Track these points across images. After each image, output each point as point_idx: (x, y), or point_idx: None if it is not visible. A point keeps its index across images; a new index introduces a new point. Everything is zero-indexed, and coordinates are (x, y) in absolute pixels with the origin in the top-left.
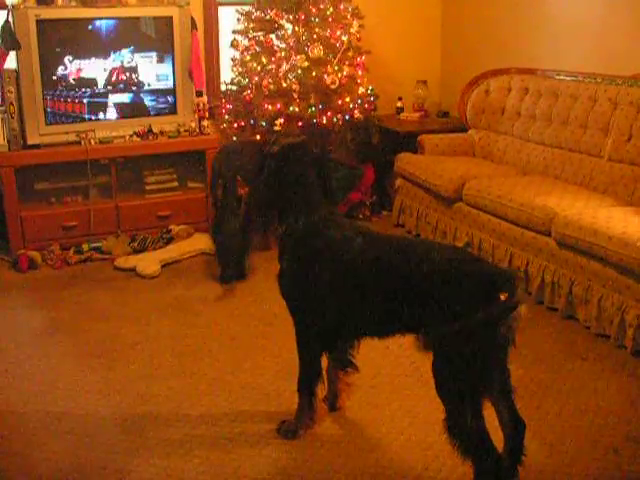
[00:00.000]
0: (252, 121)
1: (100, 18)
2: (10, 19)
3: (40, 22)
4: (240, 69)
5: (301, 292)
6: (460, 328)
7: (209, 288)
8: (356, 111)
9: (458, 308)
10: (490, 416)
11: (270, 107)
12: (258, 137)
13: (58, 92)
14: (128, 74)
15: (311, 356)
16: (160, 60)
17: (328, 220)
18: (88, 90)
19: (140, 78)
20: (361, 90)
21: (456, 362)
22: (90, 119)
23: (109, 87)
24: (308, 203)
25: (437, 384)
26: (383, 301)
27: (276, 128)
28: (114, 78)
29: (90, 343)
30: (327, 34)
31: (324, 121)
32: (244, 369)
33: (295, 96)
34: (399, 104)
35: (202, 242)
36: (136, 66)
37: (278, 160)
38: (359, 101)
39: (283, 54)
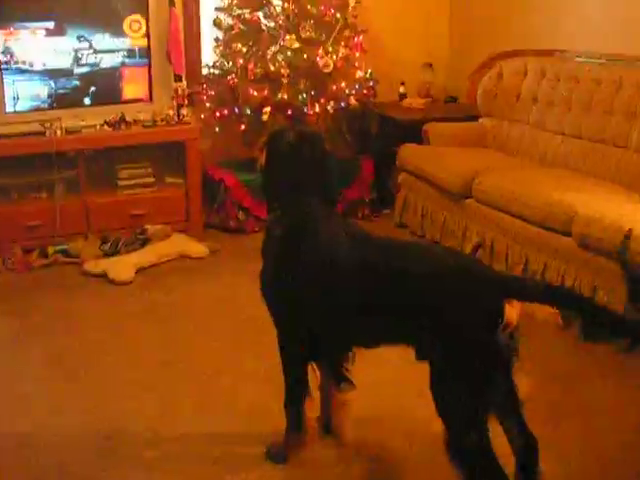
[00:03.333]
0: (236, 109)
1: None
2: None
3: None
4: (223, 51)
5: (281, 294)
6: (457, 339)
7: (190, 295)
8: (353, 98)
9: (456, 318)
10: (499, 436)
11: (256, 93)
12: (243, 127)
13: (19, 76)
14: (97, 56)
15: (295, 366)
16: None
17: (318, 217)
18: (53, 74)
19: (111, 60)
20: (358, 74)
21: (454, 376)
22: (56, 106)
23: (77, 70)
24: (300, 196)
25: (435, 400)
26: (372, 308)
27: (263, 117)
28: (82, 60)
29: (57, 355)
30: (320, 11)
31: (316, 109)
32: (228, 384)
33: (284, 81)
34: (402, 90)
35: (181, 244)
36: (106, 47)
37: (289, 145)
38: (356, 86)
39: (271, 34)
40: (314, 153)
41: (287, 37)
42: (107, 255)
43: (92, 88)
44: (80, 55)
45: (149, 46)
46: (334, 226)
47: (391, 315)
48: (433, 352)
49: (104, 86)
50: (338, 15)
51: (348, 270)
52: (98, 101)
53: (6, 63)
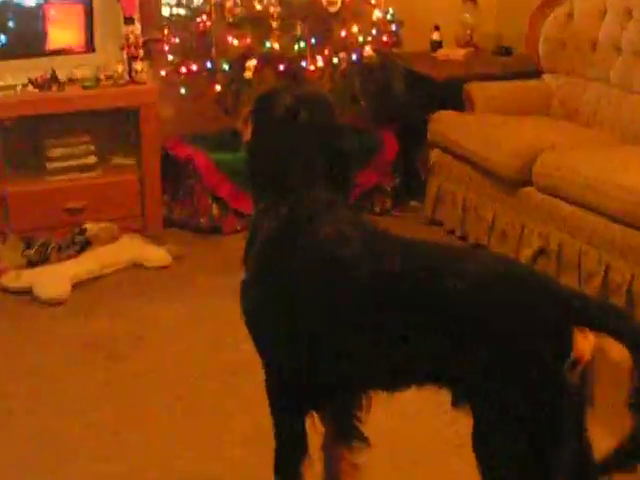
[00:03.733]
0: (209, 63)
1: None
2: None
3: None
4: None
5: (269, 317)
6: (511, 376)
7: (145, 320)
8: (368, 47)
9: (509, 349)
10: None
11: (236, 42)
12: (218, 88)
13: None
14: None
15: (288, 417)
16: None
17: (320, 212)
18: None
19: None
20: (376, 15)
21: (506, 428)
22: None
23: None
24: (299, 184)
25: (479, 463)
26: (393, 336)
27: (246, 75)
28: None
29: None
30: None
31: (319, 63)
32: (196, 446)
33: (274, 25)
34: (435, 36)
35: (134, 249)
36: None
37: (284, 112)
38: (373, 32)
39: None
40: (320, 124)
41: None
42: (32, 264)
43: (11, 34)
44: None
45: None
46: (342, 225)
47: (419, 344)
48: (477, 395)
49: (28, 32)
50: None
51: (360, 285)
52: (20, 52)
53: None
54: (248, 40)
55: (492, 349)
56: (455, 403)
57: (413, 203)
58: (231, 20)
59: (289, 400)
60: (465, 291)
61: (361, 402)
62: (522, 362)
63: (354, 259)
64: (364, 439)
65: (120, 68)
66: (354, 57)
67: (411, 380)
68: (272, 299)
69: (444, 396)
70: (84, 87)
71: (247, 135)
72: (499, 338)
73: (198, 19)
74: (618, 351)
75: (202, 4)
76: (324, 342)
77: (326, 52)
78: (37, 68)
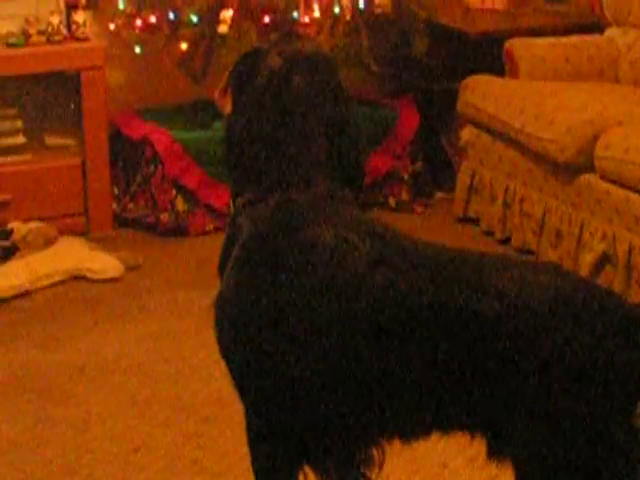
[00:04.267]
0: (172, 14)
1: None
2: None
3: None
4: None
5: (249, 342)
6: (566, 422)
7: (88, 347)
8: None
9: (565, 389)
10: None
11: None
12: (184, 47)
13: None
14: None
15: (276, 474)
16: None
17: (316, 207)
18: None
19: None
20: None
21: None
22: None
23: None
24: (292, 170)
25: None
26: (411, 368)
27: (221, 29)
28: None
29: None
30: None
31: (315, 14)
32: None
33: None
34: None
35: (75, 256)
36: None
37: (274, 77)
38: None
39: None
40: (320, 92)
41: None
42: None
43: None
44: None
45: None
46: (343, 228)
47: (446, 379)
48: (521, 445)
49: None
50: None
51: (365, 307)
52: None
53: None
54: None
55: (545, 391)
56: (492, 455)
57: (439, 195)
58: None
59: (277, 450)
60: (505, 315)
61: (370, 454)
62: (583, 403)
63: (358, 275)
64: None
65: (55, 20)
66: (361, 5)
67: (436, 425)
68: (252, 322)
69: (477, 446)
70: (9, 45)
71: (227, 108)
72: (553, 377)
73: None
74: None
75: None
76: (322, 376)
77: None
78: None
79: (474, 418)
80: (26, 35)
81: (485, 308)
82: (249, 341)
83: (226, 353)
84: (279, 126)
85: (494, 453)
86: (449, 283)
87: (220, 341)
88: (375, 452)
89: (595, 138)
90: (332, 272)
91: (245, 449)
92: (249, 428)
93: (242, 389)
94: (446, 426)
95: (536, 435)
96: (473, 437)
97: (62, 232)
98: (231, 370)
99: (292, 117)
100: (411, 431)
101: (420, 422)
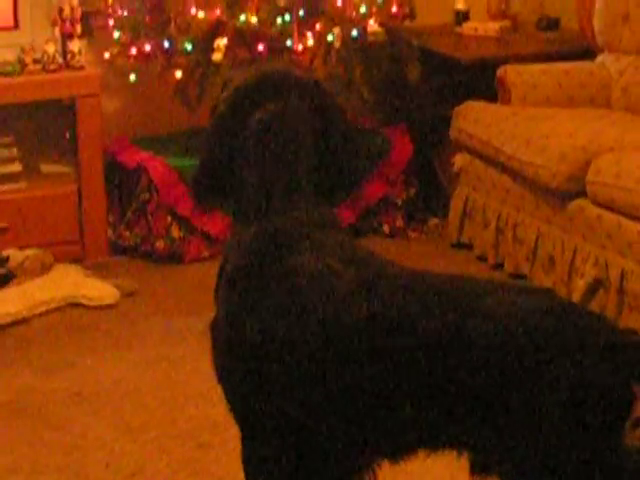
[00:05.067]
0: (167, 42)
1: None
2: None
3: None
4: None
5: (243, 369)
6: (552, 441)
7: (85, 374)
8: (373, 20)
9: (551, 408)
10: None
11: (202, 14)
12: (178, 75)
13: None
14: None
15: None
16: None
17: (300, 232)
18: None
19: None
20: None
21: None
22: None
23: None
24: (276, 192)
25: None
26: (399, 391)
27: (215, 57)
28: None
29: None
30: None
31: (309, 42)
32: None
33: None
34: (460, 5)
35: (71, 283)
36: None
37: (233, 105)
38: (379, 0)
39: None
40: (298, 110)
41: None
42: None
43: None
44: None
45: None
46: (328, 256)
47: (434, 401)
48: (507, 461)
49: None
50: None
51: (351, 329)
52: None
53: None
54: (217, 12)
55: (530, 410)
56: (476, 470)
57: (433, 221)
58: None
59: (273, 475)
60: (492, 338)
61: (362, 475)
62: (570, 422)
63: (343, 302)
64: None
65: (51, 49)
66: (354, 33)
67: (424, 444)
68: (243, 346)
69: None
70: (5, 74)
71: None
72: (540, 397)
73: None
74: None
75: None
76: (314, 402)
77: (318, 27)
78: None
79: (461, 437)
80: (22, 64)
81: (472, 332)
82: (239, 367)
83: (220, 377)
84: (256, 151)
85: (478, 469)
86: (434, 308)
87: (215, 366)
88: (366, 471)
89: (587, 164)
90: (316, 300)
91: (241, 475)
92: (245, 453)
93: (237, 413)
94: (433, 444)
95: (523, 456)
96: (459, 452)
97: (58, 259)
98: (225, 393)
99: (269, 140)
100: (398, 451)
101: (407, 442)
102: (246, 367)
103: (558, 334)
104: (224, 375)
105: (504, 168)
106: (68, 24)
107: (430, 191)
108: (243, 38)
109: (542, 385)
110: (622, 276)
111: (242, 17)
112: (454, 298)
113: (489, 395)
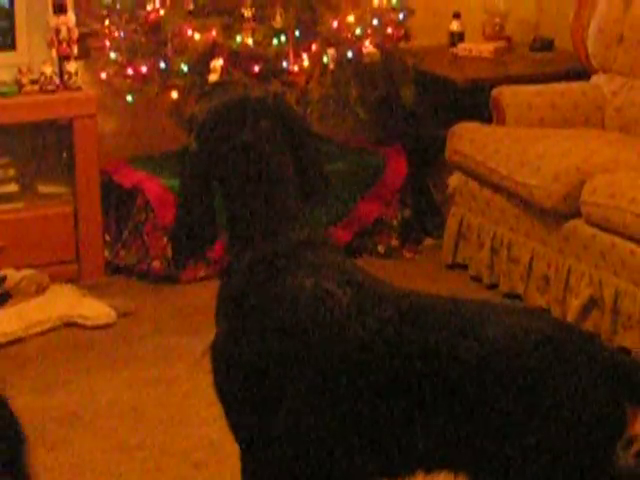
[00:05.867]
0: (163, 63)
1: None
2: None
3: None
4: None
5: (245, 388)
6: (547, 460)
7: (82, 394)
8: (368, 42)
9: (545, 428)
10: None
11: (198, 36)
12: (174, 95)
13: None
14: None
15: None
16: None
17: (296, 255)
18: None
19: None
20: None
21: None
22: None
23: None
24: (260, 219)
25: None
26: (396, 412)
27: (211, 78)
28: None
29: None
30: None
31: (304, 63)
32: None
33: (247, 14)
34: (455, 26)
35: (67, 303)
36: None
37: (204, 135)
38: (374, 22)
39: None
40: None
41: None
42: None
43: None
44: None
45: None
46: (322, 277)
47: (431, 421)
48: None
49: None
50: None
51: (349, 349)
52: None
53: None
54: (213, 33)
55: (525, 430)
56: None
57: (428, 241)
58: (191, 8)
59: None
60: (485, 359)
61: None
62: (563, 442)
63: (340, 324)
64: None
65: (48, 70)
66: (350, 55)
67: (421, 465)
68: (243, 367)
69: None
70: (2, 94)
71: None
72: (534, 416)
73: (148, 7)
74: None
75: None
76: (308, 419)
77: (313, 48)
78: None
79: (457, 458)
80: (19, 84)
81: (467, 352)
82: (239, 387)
83: (221, 396)
84: (238, 184)
85: None
86: (430, 329)
87: (215, 385)
88: None
89: (581, 184)
90: (313, 323)
91: None
92: (245, 472)
93: (237, 432)
94: (429, 465)
95: (517, 473)
96: (455, 473)
97: (54, 279)
98: (227, 413)
99: (249, 171)
100: (395, 470)
101: (404, 463)
102: (246, 387)
103: (551, 355)
104: (225, 394)
105: (499, 188)
106: (65, 45)
107: (425, 211)
108: (239, 59)
109: (537, 404)
110: (616, 295)
111: (238, 38)
112: (449, 320)
113: (484, 414)
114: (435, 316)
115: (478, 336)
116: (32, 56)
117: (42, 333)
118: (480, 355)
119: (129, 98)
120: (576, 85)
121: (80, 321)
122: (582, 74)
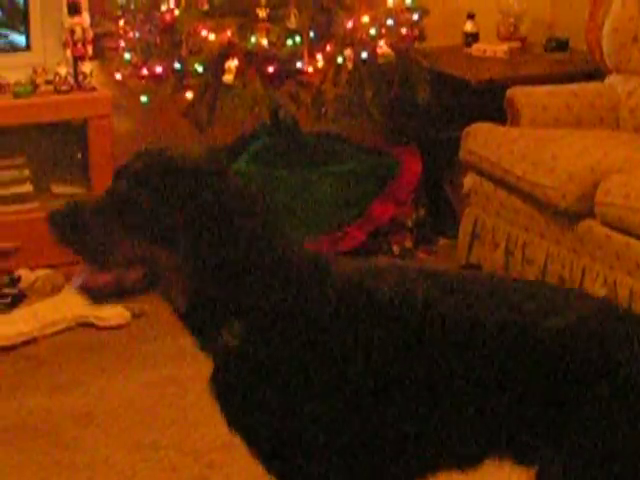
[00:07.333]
0: (178, 64)
1: None
2: None
3: None
4: None
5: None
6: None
7: (97, 394)
8: (383, 42)
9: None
10: None
11: (213, 36)
12: (189, 96)
13: None
14: None
15: None
16: None
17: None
18: None
19: None
20: (393, 1)
21: None
22: None
23: None
24: (271, 247)
25: None
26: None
27: (226, 79)
28: None
29: None
30: None
31: (319, 63)
32: None
33: (262, 14)
34: (469, 27)
35: (82, 303)
36: None
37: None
38: (389, 22)
39: None
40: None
41: None
42: None
43: None
44: None
45: None
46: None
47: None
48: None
49: None
50: None
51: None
52: None
53: None
54: (228, 34)
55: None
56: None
57: (443, 242)
58: (206, 8)
59: None
60: (567, 335)
61: None
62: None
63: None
64: None
65: (63, 70)
66: (364, 55)
67: (445, 463)
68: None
69: None
70: (17, 95)
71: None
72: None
73: (163, 7)
74: None
75: None
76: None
77: (328, 49)
78: None
79: (526, 447)
80: (34, 85)
81: (551, 327)
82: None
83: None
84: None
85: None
86: (510, 307)
87: (224, 408)
88: None
89: (596, 184)
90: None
91: None
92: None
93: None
94: (500, 448)
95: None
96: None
97: (69, 279)
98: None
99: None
100: (467, 457)
101: (476, 446)
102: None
103: (623, 335)
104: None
105: (513, 189)
106: (80, 46)
107: (439, 212)
108: (254, 60)
109: (612, 386)
110: (630, 296)
111: (253, 39)
112: (525, 298)
113: (556, 396)
114: (505, 296)
115: (558, 313)
116: (47, 57)
117: (57, 333)
118: (562, 330)
119: (144, 98)
120: (591, 85)
121: (94, 321)
122: (597, 74)
